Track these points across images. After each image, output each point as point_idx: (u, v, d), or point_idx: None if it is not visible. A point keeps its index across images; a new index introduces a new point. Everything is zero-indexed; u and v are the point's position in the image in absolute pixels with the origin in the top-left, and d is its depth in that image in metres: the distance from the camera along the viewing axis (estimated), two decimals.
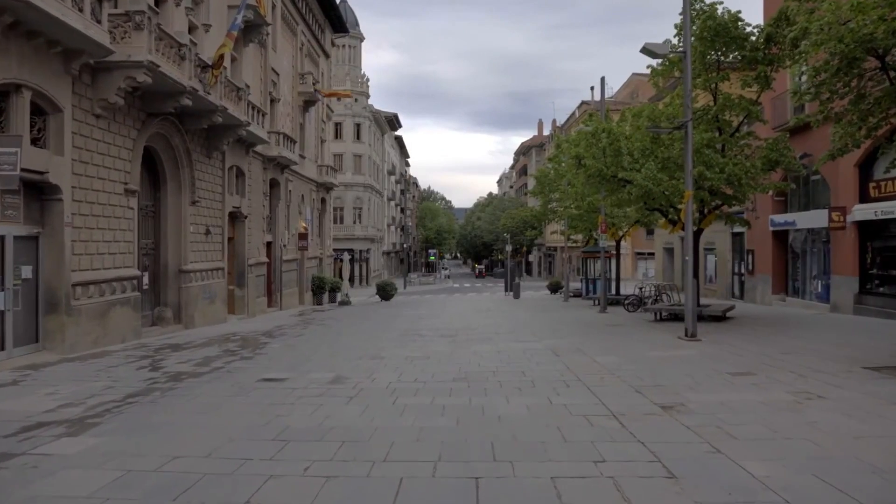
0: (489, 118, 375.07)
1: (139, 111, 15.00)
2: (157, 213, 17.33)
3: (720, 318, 17.18)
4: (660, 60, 17.71)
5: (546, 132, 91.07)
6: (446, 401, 7.49)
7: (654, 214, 19.93)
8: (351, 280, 59.75)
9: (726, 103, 16.51)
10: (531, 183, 72.76)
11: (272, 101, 27.38)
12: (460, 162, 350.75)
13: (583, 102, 67.05)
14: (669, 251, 38.54)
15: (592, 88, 63.13)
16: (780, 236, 23.18)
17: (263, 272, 25.77)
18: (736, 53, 16.65)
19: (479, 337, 14.84)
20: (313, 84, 32.87)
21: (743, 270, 26.79)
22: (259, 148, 24.75)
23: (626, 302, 22.34)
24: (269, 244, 27.47)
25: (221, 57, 16.62)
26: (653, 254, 53.15)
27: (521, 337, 14.79)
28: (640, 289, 22.74)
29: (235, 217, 22.30)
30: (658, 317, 18.22)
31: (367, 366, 10.41)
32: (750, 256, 25.52)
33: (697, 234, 18.22)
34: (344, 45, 63.54)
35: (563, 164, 28.98)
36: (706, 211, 17.81)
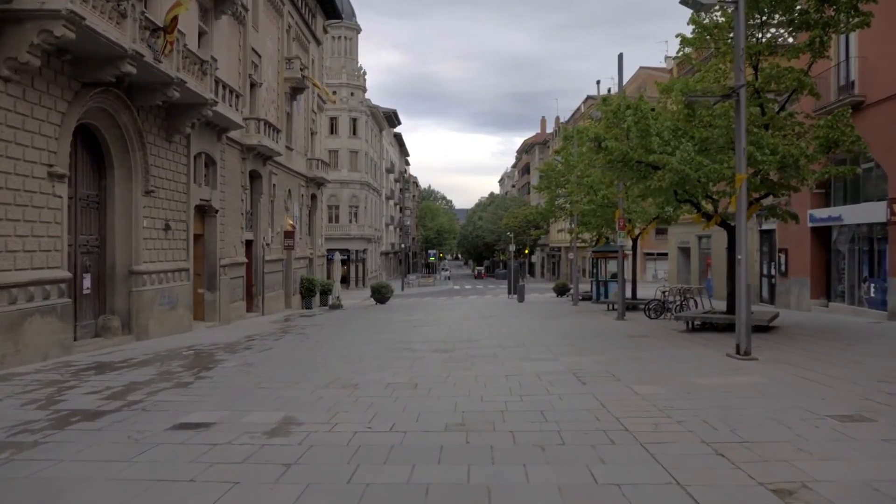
0: (490, 119, 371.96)
1: (70, 79, 12.39)
2: (101, 204, 14.74)
3: (765, 328, 14.57)
4: (692, 28, 15.17)
5: (549, 130, 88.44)
6: (432, 475, 4.88)
7: (682, 207, 17.30)
8: (346, 282, 57.16)
9: (773, 74, 13.89)
10: (535, 181, 70.10)
11: (252, 85, 24.81)
12: (461, 163, 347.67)
13: (588, 97, 64.46)
14: (685, 251, 35.93)
15: (599, 82, 59.69)
16: (821, 233, 20.54)
17: (241, 274, 23.18)
18: (783, 17, 14.09)
19: (481, 353, 12.24)
20: (301, 70, 30.29)
21: (773, 272, 24.16)
22: (236, 135, 22.18)
23: (648, 307, 19.72)
24: (249, 243, 24.89)
25: (175, 19, 14.03)
26: (663, 254, 50.53)
27: (532, 352, 12.18)
28: (664, 293, 20.12)
29: (205, 211, 19.70)
30: (690, 326, 15.60)
31: (333, 399, 7.81)
32: (783, 256, 22.89)
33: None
34: (340, 37, 60.98)
35: (574, 154, 26.37)
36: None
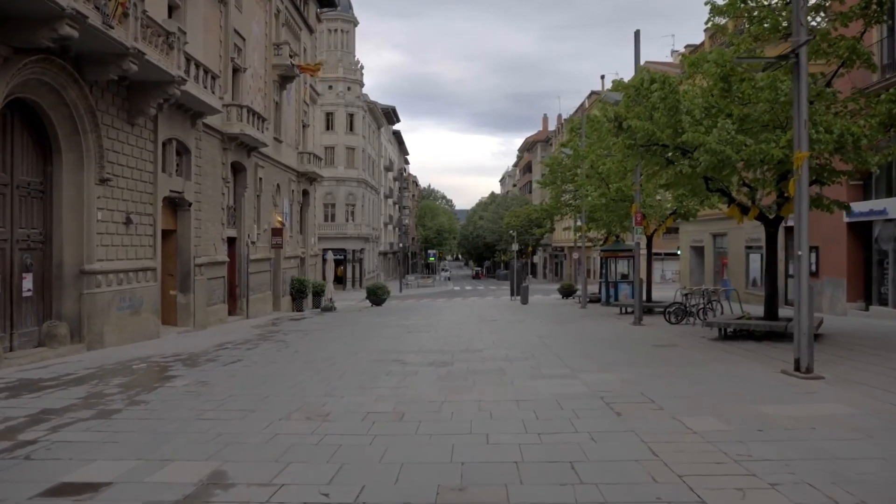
0: (490, 119, 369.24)
1: None
2: (47, 194, 12.80)
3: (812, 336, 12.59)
4: None
5: (552, 127, 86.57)
6: None
7: (711, 198, 15.35)
8: (343, 282, 55.21)
9: (822, 41, 11.94)
10: (538, 177, 68.16)
11: (235, 70, 22.90)
12: (461, 163, 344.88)
13: (592, 92, 62.61)
14: (698, 250, 34.00)
15: (603, 77, 58.13)
16: (860, 229, 18.58)
17: (222, 274, 21.25)
18: None
19: (483, 367, 10.30)
20: (290, 56, 28.37)
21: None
22: (215, 123, 20.28)
23: (668, 311, 17.76)
24: (231, 240, 22.98)
25: None
26: (671, 254, 48.56)
27: (545, 366, 10.25)
28: (685, 295, 18.18)
29: (177, 204, 17.76)
30: (722, 333, 13.67)
31: (289, 440, 5.88)
32: (813, 255, 20.92)
33: (776, 223, 13.71)
34: (336, 30, 59.07)
35: (584, 144, 24.43)
36: (786, 192, 13.20)
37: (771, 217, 13.46)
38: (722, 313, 17.09)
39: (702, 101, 12.51)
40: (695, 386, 8.38)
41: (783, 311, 14.83)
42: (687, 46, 37.21)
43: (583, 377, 9.12)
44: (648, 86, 12.51)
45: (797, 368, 8.90)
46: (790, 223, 21.76)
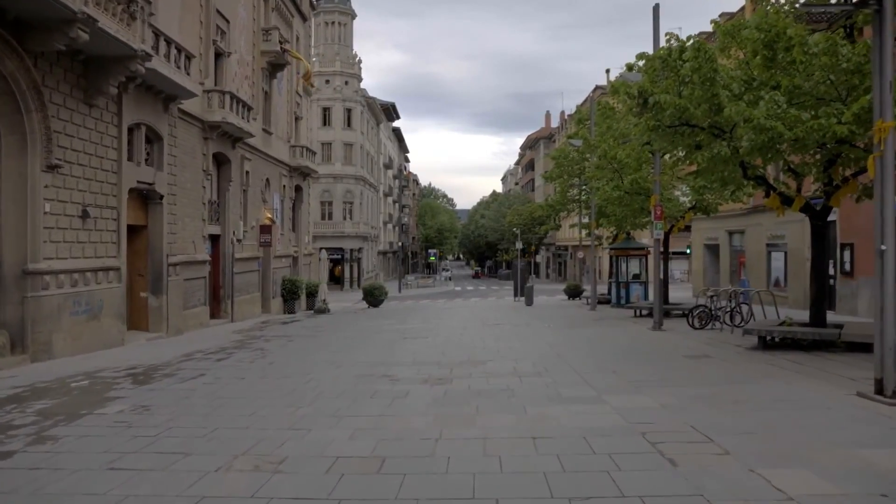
0: (492, 119, 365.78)
1: None
2: None
3: (870, 346, 10.85)
4: None
5: (555, 124, 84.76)
6: None
7: (745, 187, 13.63)
8: (340, 282, 53.51)
9: None
10: (539, 179, 66.34)
11: (218, 54, 21.24)
12: (462, 163, 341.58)
13: (597, 87, 60.85)
14: (712, 248, 32.22)
15: (608, 71, 55.82)
16: None
17: (202, 274, 19.56)
18: None
19: (489, 386, 8.56)
20: (281, 43, 26.66)
21: (832, 272, 20.43)
22: (195, 110, 18.62)
23: (692, 315, 16.02)
24: (214, 238, 21.32)
25: None
26: (679, 252, 46.82)
27: (562, 385, 8.51)
28: (711, 297, 16.42)
29: (147, 197, 16.06)
30: (764, 342, 11.91)
31: None
32: (847, 253, 19.19)
33: (824, 215, 11.97)
34: (333, 23, 57.39)
35: (594, 134, 22.71)
36: (835, 180, 11.47)
37: (818, 209, 11.74)
38: (753, 317, 15.37)
39: (740, 74, 10.79)
40: (756, 415, 6.64)
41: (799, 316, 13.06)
42: (699, 35, 35.38)
43: (611, 401, 7.38)
44: (678, 56, 10.78)
45: (879, 391, 7.15)
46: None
